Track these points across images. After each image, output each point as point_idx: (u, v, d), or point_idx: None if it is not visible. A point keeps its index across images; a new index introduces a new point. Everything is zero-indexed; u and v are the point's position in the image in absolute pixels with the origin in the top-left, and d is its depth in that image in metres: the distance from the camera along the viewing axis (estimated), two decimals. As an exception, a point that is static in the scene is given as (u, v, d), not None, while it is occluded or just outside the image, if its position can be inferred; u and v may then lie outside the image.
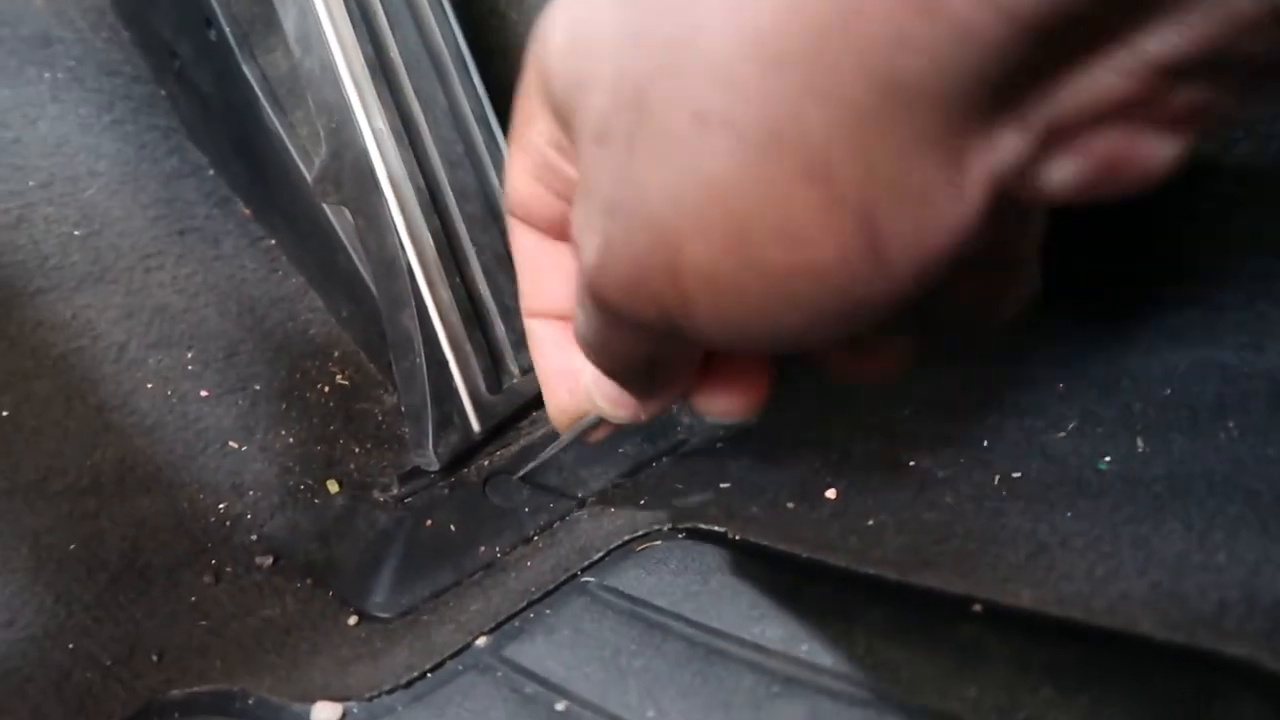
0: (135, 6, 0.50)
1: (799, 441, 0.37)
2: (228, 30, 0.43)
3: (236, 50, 0.43)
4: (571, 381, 0.31)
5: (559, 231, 0.30)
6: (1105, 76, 0.17)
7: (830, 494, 0.33)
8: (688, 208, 0.19)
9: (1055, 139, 0.18)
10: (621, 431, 0.38)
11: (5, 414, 0.37)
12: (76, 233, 0.43)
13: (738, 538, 0.32)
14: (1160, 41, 0.16)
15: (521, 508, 0.36)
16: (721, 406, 0.29)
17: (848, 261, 0.18)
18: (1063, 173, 0.19)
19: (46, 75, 0.47)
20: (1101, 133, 0.18)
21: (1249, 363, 0.28)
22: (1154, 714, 0.21)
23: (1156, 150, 0.18)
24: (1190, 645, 0.23)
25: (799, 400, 0.38)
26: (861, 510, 0.32)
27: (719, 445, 0.39)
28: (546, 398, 0.33)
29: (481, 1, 0.48)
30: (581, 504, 0.36)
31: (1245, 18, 0.16)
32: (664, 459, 0.39)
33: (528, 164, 0.27)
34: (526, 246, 0.31)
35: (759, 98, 0.17)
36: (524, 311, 0.32)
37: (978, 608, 0.26)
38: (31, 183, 0.43)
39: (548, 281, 0.31)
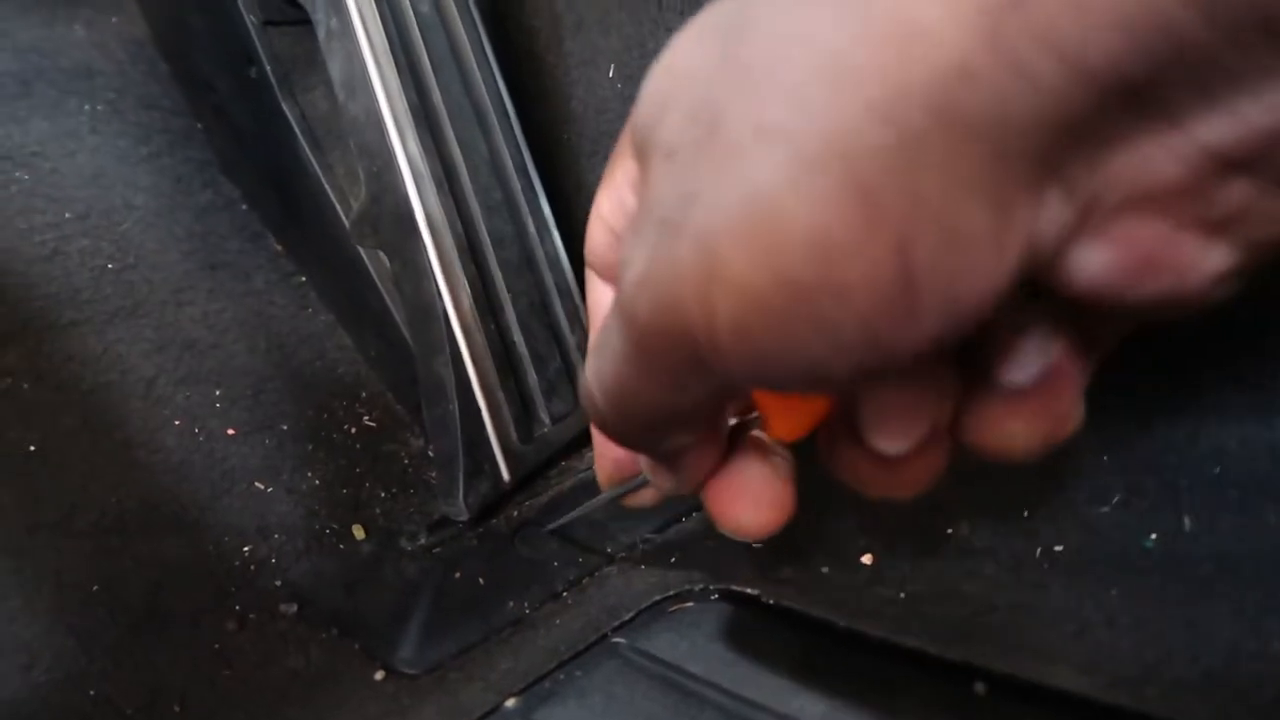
0: (176, 41, 0.50)
1: (830, 500, 0.37)
2: (269, 68, 0.43)
3: (277, 88, 0.43)
4: None
5: None
6: (1155, 155, 0.17)
7: (866, 559, 0.33)
8: (732, 215, 0.19)
9: (1095, 217, 0.18)
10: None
11: (31, 448, 0.37)
12: (110, 266, 0.43)
13: (772, 601, 0.32)
14: (1216, 128, 0.16)
15: (550, 561, 0.35)
16: (735, 514, 0.27)
17: (876, 289, 0.18)
18: (1096, 258, 0.18)
19: (86, 107, 0.47)
20: (1143, 221, 0.17)
21: (1300, 443, 0.28)
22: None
23: (1199, 255, 0.18)
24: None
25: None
26: (898, 577, 0.32)
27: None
28: (598, 452, 0.32)
29: (520, 45, 0.49)
30: (611, 559, 0.35)
31: None
32: (695, 514, 0.39)
33: (606, 209, 0.27)
34: (599, 300, 0.31)
35: (820, 112, 0.17)
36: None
37: (1021, 686, 0.25)
38: (68, 215, 0.43)
39: None
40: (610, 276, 0.29)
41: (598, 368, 0.24)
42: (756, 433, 0.28)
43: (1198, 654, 0.25)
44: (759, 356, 0.20)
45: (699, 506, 0.38)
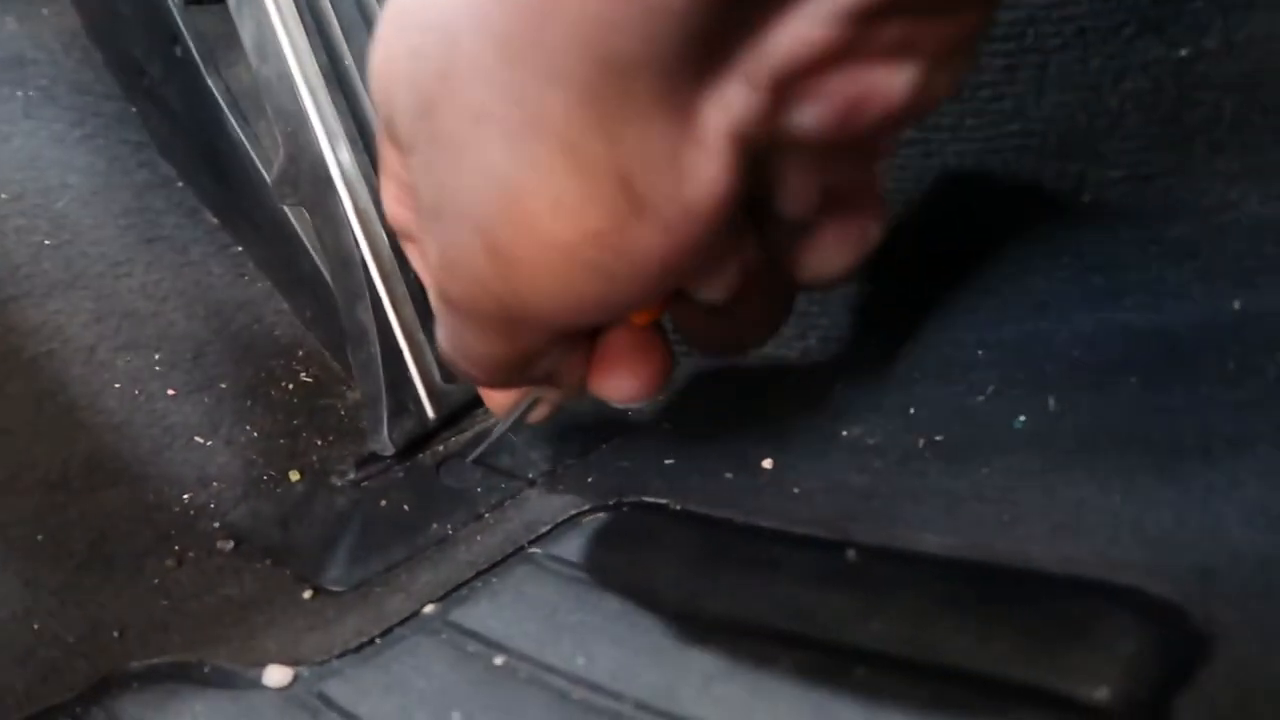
0: (107, 28, 0.52)
1: (741, 419, 0.39)
2: (192, 46, 0.45)
3: (201, 65, 0.45)
4: None
5: None
6: (804, 27, 0.18)
7: (766, 464, 0.35)
8: (486, 199, 0.21)
9: (787, 88, 0.20)
10: (567, 414, 0.40)
11: (-23, 414, 0.39)
12: (48, 242, 0.45)
13: (678, 507, 0.34)
14: None
15: (474, 488, 0.37)
16: (617, 390, 0.30)
17: (620, 226, 0.20)
18: (810, 116, 0.20)
19: (19, 94, 0.49)
20: (831, 77, 0.20)
21: (1149, 321, 0.30)
22: (1043, 634, 0.22)
23: (892, 82, 0.20)
24: (1082, 576, 0.24)
25: (740, 380, 0.40)
26: (794, 477, 0.34)
27: (665, 426, 0.41)
28: (482, 392, 0.34)
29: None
30: (532, 484, 0.37)
31: None
32: (612, 441, 0.40)
33: (390, 188, 0.29)
34: (418, 263, 0.32)
35: (510, 90, 0.19)
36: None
37: (887, 551, 0.27)
38: (4, 195, 0.45)
39: None
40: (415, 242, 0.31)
41: (442, 335, 0.27)
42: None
43: (1048, 513, 0.27)
44: (561, 307, 0.23)
45: (617, 434, 0.40)
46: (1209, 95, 0.28)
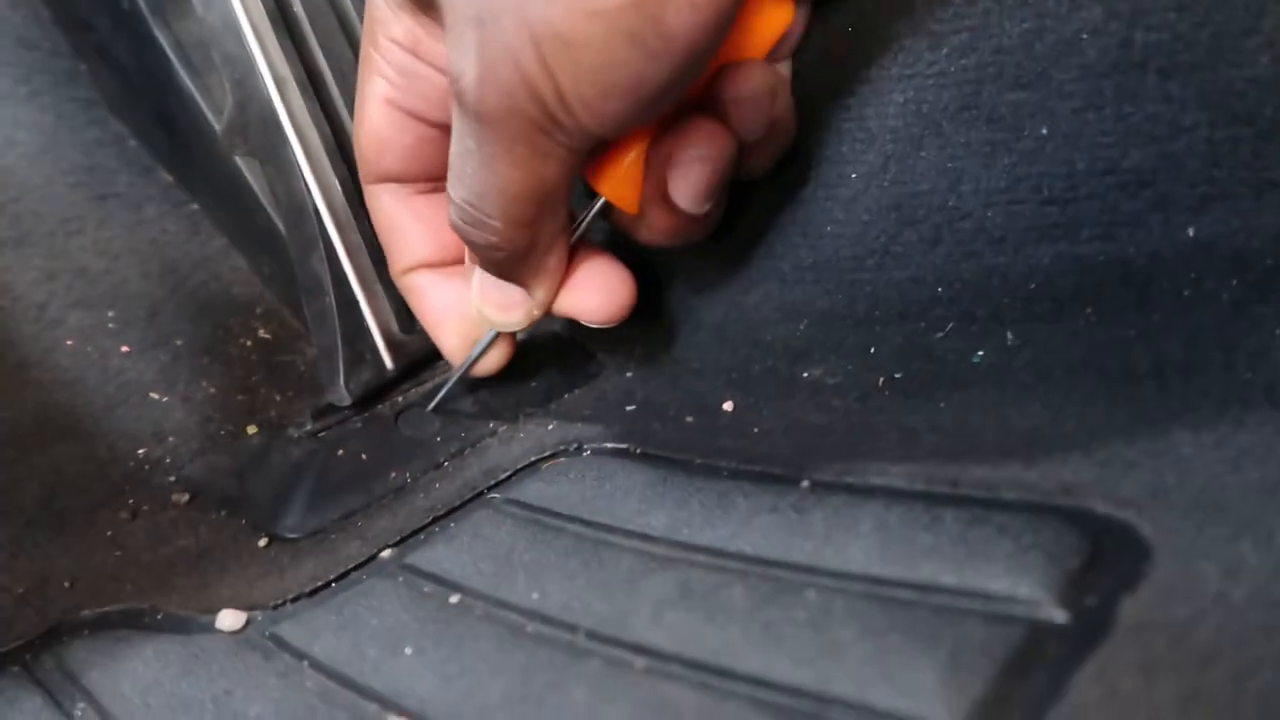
0: (52, -18, 0.50)
1: (704, 365, 0.38)
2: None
3: (149, 17, 0.44)
4: (457, 314, 0.34)
5: (417, 170, 0.33)
6: None
7: (727, 406, 0.35)
8: None
9: None
10: (530, 364, 0.40)
11: (-76, 373, 0.38)
12: (-5, 200, 0.44)
13: (639, 450, 0.33)
14: None
15: (434, 438, 0.37)
16: (591, 306, 0.33)
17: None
18: None
19: (-38, 50, 0.47)
20: None
21: (1103, 252, 0.30)
22: (994, 553, 0.22)
23: None
24: (1033, 500, 0.24)
25: (703, 327, 0.39)
26: (754, 418, 0.34)
27: (629, 375, 0.40)
28: (437, 339, 0.35)
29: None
30: (493, 433, 0.37)
31: None
32: (574, 391, 0.40)
33: (384, 88, 0.31)
34: (387, 208, 0.34)
35: None
36: (396, 272, 0.36)
37: (848, 485, 0.27)
38: (-51, 153, 0.44)
39: (412, 236, 0.34)
40: (392, 173, 0.33)
41: (467, 192, 0.28)
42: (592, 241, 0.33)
43: (1003, 441, 0.27)
44: (598, 91, 0.24)
45: (580, 383, 0.40)
46: (1159, 18, 0.28)
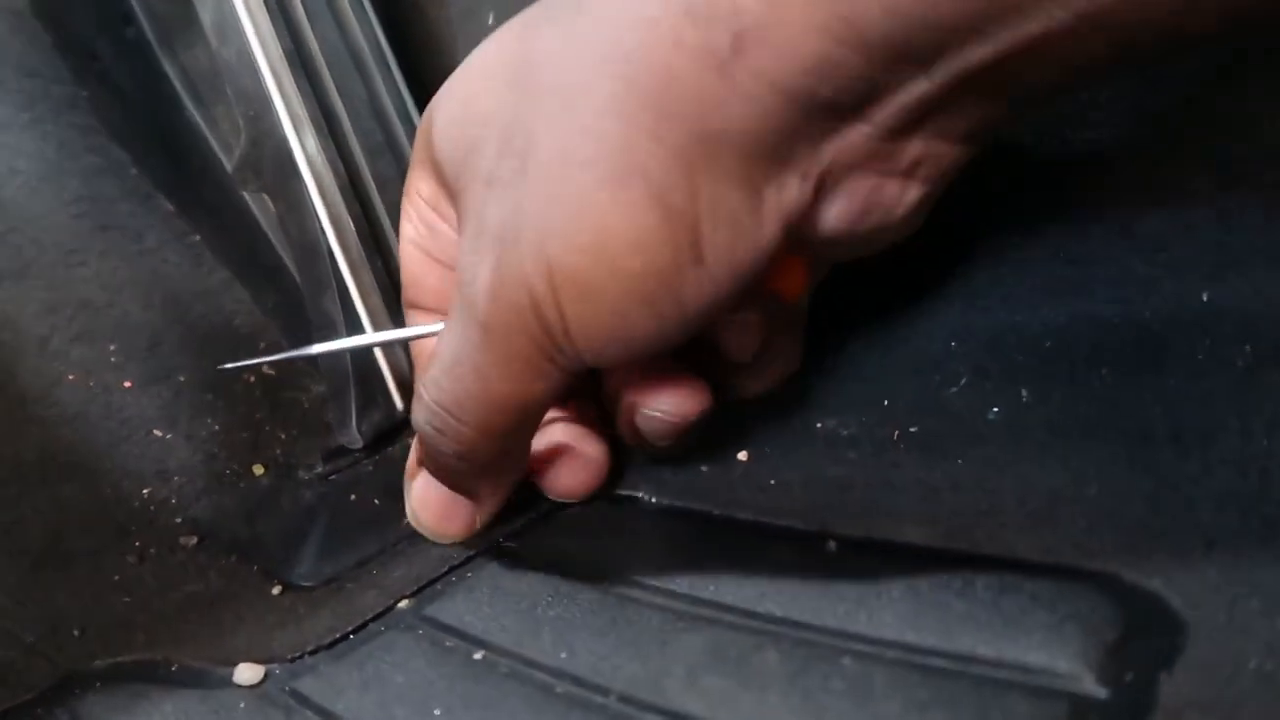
0: (54, 7, 0.50)
1: (715, 413, 0.39)
2: (147, 26, 0.44)
3: (156, 46, 0.44)
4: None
5: (445, 305, 0.32)
6: (853, 138, 0.25)
7: (742, 456, 0.35)
8: (564, 229, 0.24)
9: (826, 185, 0.26)
10: None
11: (-76, 406, 0.37)
12: (-4, 230, 0.43)
13: (653, 500, 0.34)
14: (884, 112, 0.24)
15: (445, 481, 0.36)
16: (560, 482, 0.34)
17: (681, 267, 0.24)
18: (833, 211, 0.26)
19: (-38, 76, 0.47)
20: (857, 179, 0.26)
21: (1119, 314, 0.30)
22: (1028, 621, 0.22)
23: (899, 194, 0.27)
24: (1061, 563, 0.24)
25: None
26: (770, 469, 0.34)
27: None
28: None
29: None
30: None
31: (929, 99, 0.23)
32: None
33: (412, 233, 0.32)
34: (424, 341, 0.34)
35: (618, 142, 0.23)
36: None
37: (868, 542, 0.27)
38: (-51, 182, 0.43)
39: None
40: (426, 304, 0.33)
41: (446, 396, 0.28)
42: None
43: (1025, 501, 0.28)
44: (604, 335, 0.25)
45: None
46: (1171, 84, 0.29)
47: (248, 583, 0.33)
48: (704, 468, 0.35)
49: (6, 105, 0.48)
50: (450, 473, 0.30)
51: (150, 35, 0.44)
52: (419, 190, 0.31)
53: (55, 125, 0.48)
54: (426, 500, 0.32)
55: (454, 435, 0.28)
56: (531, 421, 0.29)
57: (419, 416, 0.29)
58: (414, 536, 0.34)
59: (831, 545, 0.27)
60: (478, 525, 0.32)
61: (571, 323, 0.25)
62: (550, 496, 0.34)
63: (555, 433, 0.33)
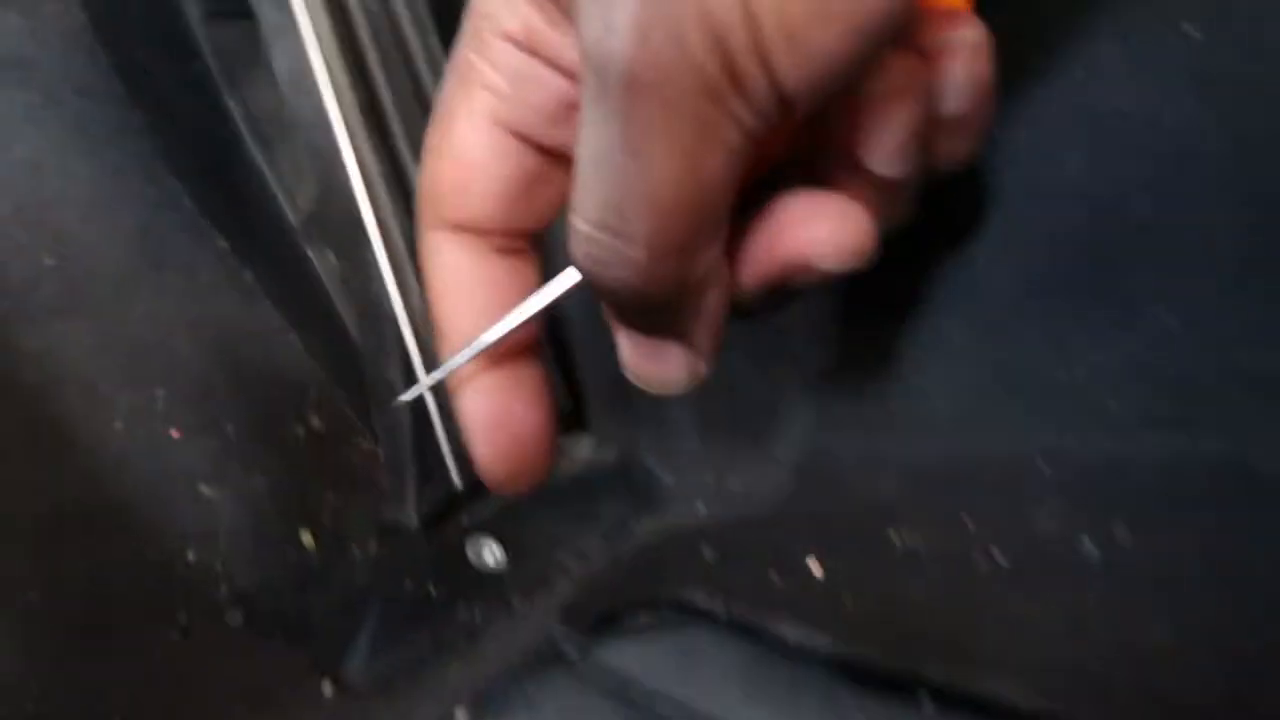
0: (115, 30, 0.48)
1: (784, 510, 0.37)
2: (211, 62, 0.42)
3: (220, 83, 0.42)
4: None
5: (505, 216, 0.26)
6: None
7: (814, 566, 0.33)
8: None
9: None
10: (581, 478, 0.38)
11: (-32, 450, 0.36)
12: (49, 262, 0.42)
13: (724, 614, 0.32)
14: None
15: (502, 569, 0.35)
16: (819, 236, 0.24)
17: None
18: None
19: (20, 97, 0.45)
20: None
21: (1225, 454, 0.29)
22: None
23: None
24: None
25: (783, 465, 0.38)
26: (848, 588, 0.32)
27: (700, 508, 0.39)
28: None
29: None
30: (563, 567, 0.36)
31: None
32: (642, 520, 0.39)
33: (487, 104, 0.24)
34: (451, 265, 0.26)
35: None
36: (449, 343, 0.27)
37: (963, 697, 0.26)
38: (4, 210, 0.42)
39: (477, 305, 0.26)
40: (483, 215, 0.25)
41: (602, 210, 0.21)
42: None
43: (1131, 661, 0.26)
44: (809, 10, 0.19)
45: (648, 515, 0.38)
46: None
47: (298, 677, 0.32)
48: (775, 577, 0.33)
49: (64, 128, 0.46)
50: (635, 315, 0.24)
51: (215, 71, 0.42)
52: (503, 31, 0.23)
53: (112, 151, 0.47)
54: (636, 348, 0.26)
55: (620, 261, 0.22)
56: (711, 222, 0.22)
57: (577, 254, 0.22)
58: (470, 634, 0.32)
59: (925, 700, 0.26)
60: (702, 370, 0.26)
61: (762, 10, 0.18)
62: (816, 264, 0.25)
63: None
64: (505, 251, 0.26)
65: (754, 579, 0.33)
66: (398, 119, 0.38)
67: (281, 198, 0.42)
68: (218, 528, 0.38)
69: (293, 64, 0.37)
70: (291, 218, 0.41)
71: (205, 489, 0.39)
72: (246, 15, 0.43)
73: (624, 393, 0.43)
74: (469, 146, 0.25)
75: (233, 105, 0.42)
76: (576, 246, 0.22)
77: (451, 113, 0.25)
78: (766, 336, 0.38)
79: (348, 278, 0.38)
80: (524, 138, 0.25)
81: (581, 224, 0.21)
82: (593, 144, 0.21)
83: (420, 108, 0.40)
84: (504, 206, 0.26)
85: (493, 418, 0.27)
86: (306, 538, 0.38)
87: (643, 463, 0.42)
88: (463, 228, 0.26)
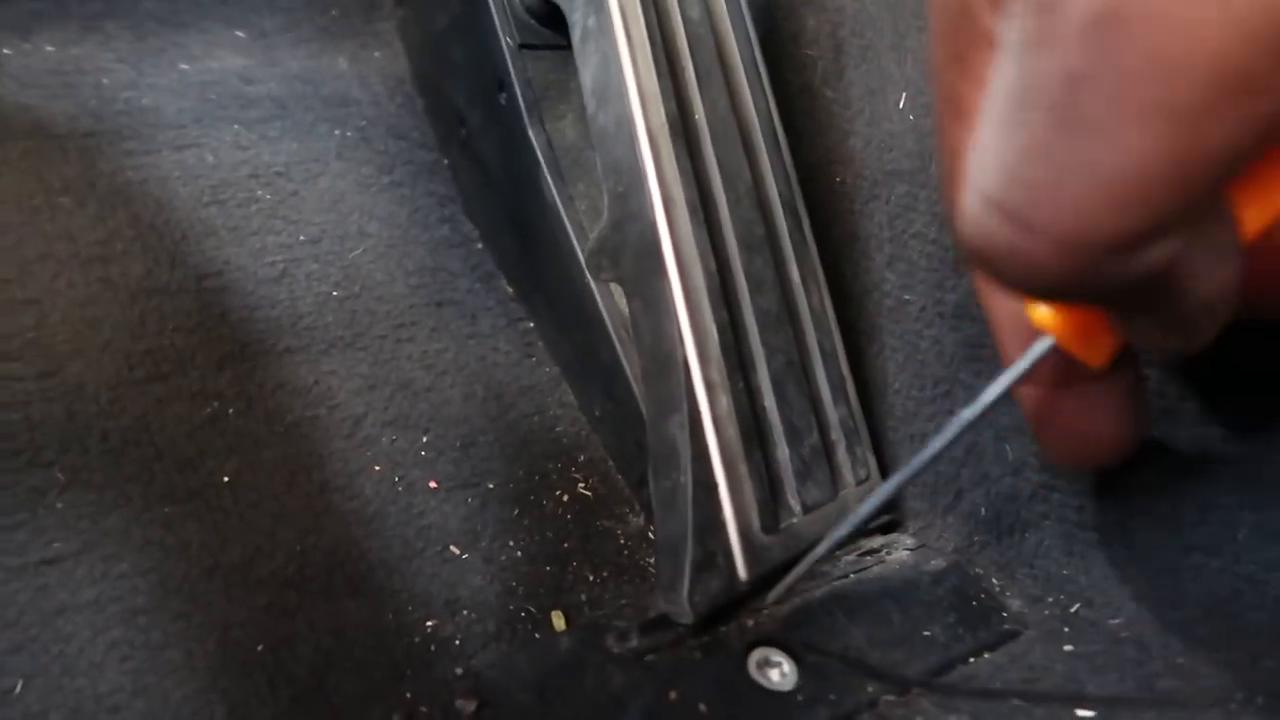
0: (433, 72, 0.48)
1: (1148, 641, 0.26)
2: (519, 93, 0.39)
3: (525, 114, 0.39)
4: None
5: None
6: None
7: None
8: None
9: None
10: (909, 599, 0.29)
11: (226, 479, 0.33)
12: (335, 293, 0.40)
13: None
14: None
15: (795, 693, 0.27)
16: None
17: None
18: None
19: (336, 133, 0.45)
20: None
21: None
22: None
23: None
24: None
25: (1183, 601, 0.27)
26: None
27: (1066, 630, 0.28)
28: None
29: (793, 81, 0.42)
30: (872, 703, 0.27)
31: None
32: (984, 654, 0.29)
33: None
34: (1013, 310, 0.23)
35: None
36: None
37: None
38: (302, 237, 0.41)
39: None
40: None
41: (1005, 166, 0.16)
42: None
43: None
44: None
45: (991, 645, 0.29)
46: None
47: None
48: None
49: (370, 165, 0.46)
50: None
51: (521, 101, 0.39)
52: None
53: (412, 191, 0.46)
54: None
55: (1022, 257, 0.16)
56: (1183, 209, 0.15)
57: (964, 230, 0.17)
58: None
59: None
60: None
61: None
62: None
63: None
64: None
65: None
66: (710, 137, 0.33)
67: (573, 235, 0.38)
68: (462, 597, 0.32)
69: (601, 71, 0.32)
70: (580, 254, 0.37)
71: (455, 550, 0.34)
72: (559, 46, 0.41)
73: (955, 480, 0.33)
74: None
75: (535, 136, 0.39)
76: (963, 224, 0.17)
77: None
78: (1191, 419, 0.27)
79: (636, 318, 0.32)
80: None
81: (976, 198, 0.16)
82: (1013, 97, 0.15)
83: (738, 127, 0.34)
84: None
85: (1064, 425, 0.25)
86: (558, 619, 0.32)
87: (978, 583, 0.32)
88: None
